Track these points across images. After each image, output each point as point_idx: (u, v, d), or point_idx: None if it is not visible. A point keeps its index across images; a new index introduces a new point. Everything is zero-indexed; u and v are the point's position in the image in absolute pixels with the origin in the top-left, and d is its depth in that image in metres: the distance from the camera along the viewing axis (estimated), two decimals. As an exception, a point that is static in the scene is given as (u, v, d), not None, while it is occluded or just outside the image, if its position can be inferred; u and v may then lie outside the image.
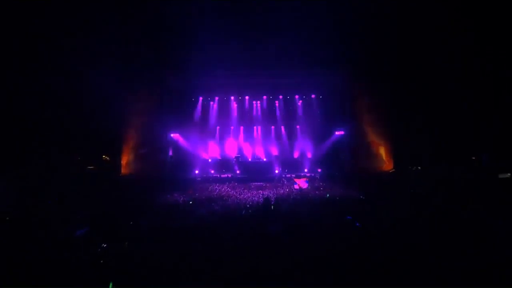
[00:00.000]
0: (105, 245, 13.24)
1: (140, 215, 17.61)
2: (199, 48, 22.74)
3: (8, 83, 21.94)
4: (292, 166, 29.22)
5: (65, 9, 21.37)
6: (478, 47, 22.22)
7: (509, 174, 21.55)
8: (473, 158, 23.70)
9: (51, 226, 15.94)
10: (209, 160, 29.69)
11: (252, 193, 22.76)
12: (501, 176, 21.61)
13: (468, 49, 22.29)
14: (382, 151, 27.29)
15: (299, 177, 26.70)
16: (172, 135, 28.84)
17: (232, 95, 30.04)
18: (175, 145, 29.11)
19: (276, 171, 28.36)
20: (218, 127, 30.42)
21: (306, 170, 28.86)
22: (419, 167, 25.03)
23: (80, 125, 23.89)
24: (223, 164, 29.58)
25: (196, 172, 28.65)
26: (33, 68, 22.25)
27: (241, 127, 30.57)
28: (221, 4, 21.63)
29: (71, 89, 23.00)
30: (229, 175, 28.29)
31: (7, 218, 16.95)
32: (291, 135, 30.61)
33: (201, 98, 29.92)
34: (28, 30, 21.52)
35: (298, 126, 30.45)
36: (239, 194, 22.58)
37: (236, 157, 29.37)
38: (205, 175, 28.49)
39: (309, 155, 29.67)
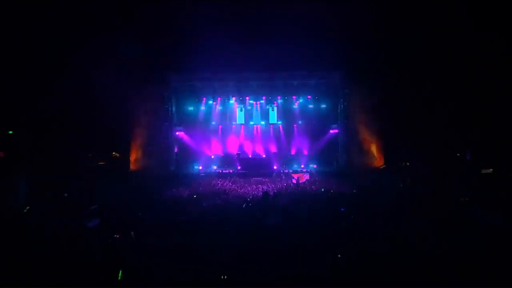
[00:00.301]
0: (116, 236, 13.48)
1: (148, 208, 17.79)
2: (204, 53, 22.81)
3: (27, 83, 22.07)
4: (289, 162, 29.30)
5: (81, 18, 21.62)
6: (464, 50, 22.32)
7: (491, 169, 21.68)
8: (458, 154, 23.75)
9: (65, 218, 16.15)
10: (212, 157, 29.79)
11: (252, 188, 22.96)
12: (483, 171, 21.75)
13: (454, 52, 22.38)
14: (374, 148, 27.32)
15: (296, 172, 26.91)
16: (177, 133, 28.93)
17: (234, 95, 30.04)
18: (180, 142, 29.21)
19: (275, 167, 28.44)
20: (220, 126, 30.47)
21: (302, 166, 28.94)
22: (408, 163, 25.07)
23: (91, 124, 23.94)
24: (225, 160, 29.68)
25: (200, 168, 28.75)
26: (51, 71, 22.36)
27: (242, 126, 30.60)
28: (224, 12, 21.73)
29: (84, 91, 23.11)
30: (231, 171, 28.41)
31: (25, 211, 17.11)
32: (288, 133, 30.62)
33: (204, 99, 29.94)
34: (45, 34, 21.60)
35: (295, 125, 30.47)
36: (240, 189, 22.80)
37: (237, 154, 29.50)
38: (208, 171, 28.61)
39: (305, 152, 29.77)
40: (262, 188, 22.41)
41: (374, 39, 23.30)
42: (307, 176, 24.90)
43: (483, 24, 21.12)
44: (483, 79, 22.26)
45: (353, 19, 22.37)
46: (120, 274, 10.34)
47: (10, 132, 22.52)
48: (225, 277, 9.91)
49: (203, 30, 21.92)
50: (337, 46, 23.56)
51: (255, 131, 30.62)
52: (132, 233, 13.75)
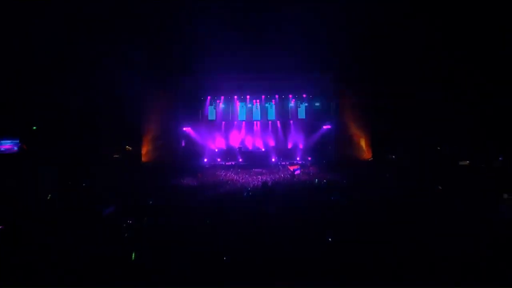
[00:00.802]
0: (129, 221, 13.60)
1: (158, 196, 17.89)
2: (208, 56, 22.82)
3: (53, 84, 22.20)
4: (286, 155, 29.34)
5: (105, 29, 21.93)
6: (444, 53, 22.41)
7: (467, 161, 21.79)
8: (438, 148, 23.82)
9: (84, 204, 16.29)
10: (216, 150, 29.81)
11: (252, 178, 23.03)
12: (461, 163, 21.86)
13: (435, 55, 22.44)
14: (363, 142, 27.46)
15: (292, 164, 26.98)
16: (184, 128, 28.96)
17: (235, 95, 30.06)
18: (187, 137, 29.23)
19: (273, 159, 28.55)
20: (223, 122, 30.48)
21: (298, 159, 28.97)
22: (394, 156, 25.16)
23: (107, 121, 24.06)
24: (228, 153, 29.69)
25: (205, 160, 28.82)
26: (75, 78, 22.58)
27: (243, 122, 30.62)
28: (227, 21, 21.78)
29: (100, 92, 23.21)
30: (233, 163, 28.46)
31: (49, 197, 17.23)
32: (285, 128, 30.63)
33: (209, 97, 29.97)
34: (74, 44, 22.00)
35: (291, 121, 30.48)
36: (241, 179, 22.84)
37: (239, 147, 29.58)
38: (212, 163, 28.70)
39: (301, 145, 29.79)
40: (262, 179, 22.47)
41: (363, 44, 23.42)
42: (298, 171, 24.94)
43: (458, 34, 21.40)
44: (459, 81, 22.37)
45: (344, 28, 22.50)
46: (133, 255, 10.50)
47: (34, 128, 22.68)
48: (226, 258, 10.02)
49: (209, 38, 22.09)
50: (329, 51, 23.63)
51: (255, 127, 30.63)
52: (145, 218, 13.92)
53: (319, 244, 10.80)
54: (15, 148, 22.04)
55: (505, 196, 14.64)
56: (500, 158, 20.79)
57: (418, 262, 9.44)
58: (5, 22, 20.47)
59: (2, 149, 21.90)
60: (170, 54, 24.33)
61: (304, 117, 30.29)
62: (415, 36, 22.43)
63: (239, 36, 22.67)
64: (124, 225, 13.51)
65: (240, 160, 28.82)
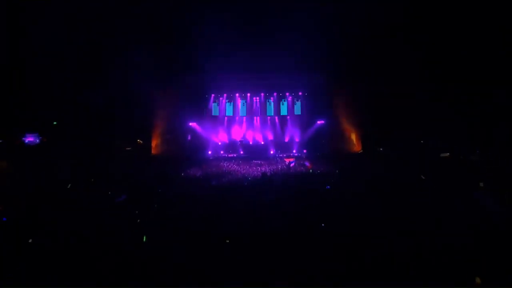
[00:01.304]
0: (140, 208, 13.72)
1: (166, 185, 18.02)
2: (212, 57, 22.89)
3: (73, 83, 22.36)
4: (283, 148, 29.39)
5: (119, 33, 22.13)
6: (427, 53, 22.46)
7: (448, 153, 21.85)
8: (421, 141, 23.87)
9: (99, 193, 16.42)
10: (219, 143, 29.83)
11: (252, 169, 23.15)
12: (442, 155, 21.93)
13: (418, 56, 22.45)
14: (353, 136, 27.53)
15: (288, 157, 27.07)
16: (190, 123, 28.97)
17: (237, 93, 30.06)
18: (193, 131, 29.25)
19: (271, 152, 28.64)
20: (226, 117, 30.47)
21: (294, 151, 29.03)
22: (381, 149, 25.23)
23: (120, 117, 24.17)
24: (230, 146, 29.72)
25: (209, 152, 28.90)
26: (92, 78, 22.84)
27: (244, 117, 30.61)
28: (229, 24, 21.79)
29: (115, 91, 23.35)
30: (235, 155, 28.62)
31: (69, 186, 17.37)
32: (282, 123, 30.61)
33: (213, 95, 29.96)
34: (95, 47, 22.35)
35: (288, 117, 30.43)
36: (243, 170, 22.95)
37: (240, 141, 29.63)
38: (216, 155, 28.78)
39: (297, 139, 29.79)
40: (261, 170, 22.57)
41: (354, 49, 23.54)
42: (292, 163, 24.98)
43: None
44: (442, 80, 22.39)
45: (337, 34, 22.61)
46: (144, 238, 10.62)
47: (54, 123, 22.83)
48: (228, 241, 10.12)
49: (213, 41, 22.17)
50: (323, 54, 23.67)
51: (255, 122, 30.63)
52: (155, 205, 14.06)
53: (314, 228, 10.96)
54: (37, 141, 22.52)
55: (481, 184, 14.81)
56: (477, 151, 20.86)
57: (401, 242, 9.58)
58: (27, 23, 20.55)
59: (26, 141, 22.58)
60: (177, 56, 24.40)
61: (300, 113, 30.26)
62: (401, 40, 22.44)
63: (240, 39, 22.83)
64: (136, 211, 13.68)
65: (241, 152, 28.90)
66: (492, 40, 20.56)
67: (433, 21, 21.67)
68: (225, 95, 30.03)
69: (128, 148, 26.12)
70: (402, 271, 8.05)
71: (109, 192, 16.35)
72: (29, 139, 22.54)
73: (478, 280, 7.80)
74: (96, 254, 9.47)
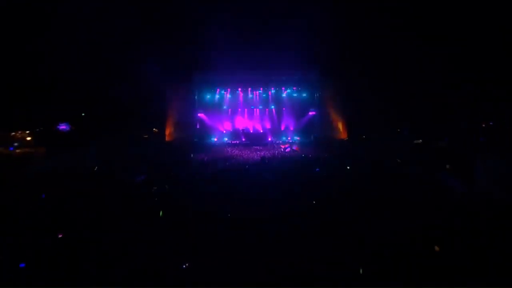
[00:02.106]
0: (156, 187, 14.04)
1: (178, 168, 18.25)
2: (218, 54, 23.02)
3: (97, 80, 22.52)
4: (279, 135, 29.54)
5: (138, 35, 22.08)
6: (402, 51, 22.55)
7: (420, 140, 22.08)
8: (398, 130, 24.04)
9: (122, 174, 16.70)
10: (224, 131, 29.86)
11: (253, 154, 23.28)
12: (415, 142, 22.17)
13: (393, 53, 22.57)
14: (340, 125, 27.53)
15: (284, 143, 27.28)
16: (199, 114, 29.07)
17: (239, 87, 29.89)
18: (201, 121, 29.29)
19: (269, 139, 28.84)
20: (229, 109, 30.39)
21: (289, 138, 29.15)
22: (364, 136, 25.42)
23: (138, 108, 24.35)
24: (233, 134, 29.75)
25: (215, 139, 29.10)
26: (115, 74, 23.02)
27: (246, 109, 30.56)
28: (233, 26, 21.89)
29: (133, 85, 23.53)
30: (237, 142, 28.78)
31: (95, 169, 17.66)
32: (279, 114, 30.49)
33: (218, 89, 29.87)
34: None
35: (284, 108, 30.26)
36: (244, 154, 23.13)
37: (242, 129, 29.67)
38: (221, 142, 28.97)
39: (291, 128, 29.77)
40: (260, 154, 22.75)
41: (340, 46, 23.53)
42: (288, 149, 25.14)
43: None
44: (418, 74, 22.49)
45: (324, 37, 22.69)
46: (161, 213, 10.97)
47: (83, 114, 23.05)
48: (230, 214, 10.43)
49: (218, 42, 22.21)
50: (315, 54, 23.78)
51: (255, 113, 30.62)
52: (166, 186, 14.32)
53: (305, 203, 11.32)
54: (68, 128, 22.82)
55: (448, 166, 15.13)
56: (445, 139, 21.09)
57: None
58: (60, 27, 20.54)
59: (60, 128, 22.85)
60: (188, 56, 24.44)
61: (294, 105, 30.26)
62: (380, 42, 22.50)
63: (242, 42, 22.87)
64: (152, 190, 14.01)
65: (243, 139, 29.00)
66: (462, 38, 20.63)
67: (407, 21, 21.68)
68: (229, 89, 29.91)
69: (146, 136, 26.31)
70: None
71: (130, 173, 16.58)
72: (62, 127, 22.86)
73: (437, 248, 8.01)
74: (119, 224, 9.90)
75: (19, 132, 21.33)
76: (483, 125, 22.00)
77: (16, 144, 20.63)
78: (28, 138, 21.29)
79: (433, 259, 7.53)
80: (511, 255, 7.57)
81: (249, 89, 30.12)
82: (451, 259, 7.48)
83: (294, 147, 24.96)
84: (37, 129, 21.83)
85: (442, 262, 7.38)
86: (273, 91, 30.16)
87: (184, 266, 7.44)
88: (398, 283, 6.68)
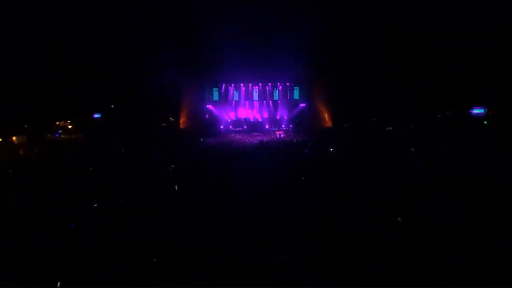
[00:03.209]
0: (173, 166, 14.40)
1: (190, 150, 18.63)
2: (223, 57, 23.28)
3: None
4: (275, 123, 29.76)
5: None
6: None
7: (391, 127, 22.39)
8: (374, 119, 24.34)
9: (144, 155, 17.12)
10: (229, 120, 30.18)
11: (253, 138, 23.53)
12: (387, 128, 22.50)
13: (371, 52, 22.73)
14: (326, 115, 27.89)
15: (278, 130, 27.56)
16: (208, 106, 29.40)
17: (242, 83, 30.05)
18: (210, 111, 29.59)
19: (266, 127, 29.10)
20: (234, 101, 30.58)
21: (283, 126, 29.43)
22: (346, 125, 25.72)
23: (157, 101, 24.63)
24: (237, 122, 30.08)
25: (222, 127, 29.36)
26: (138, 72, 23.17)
27: (247, 101, 30.75)
28: (236, 33, 21.92)
29: (153, 82, 23.76)
30: (240, 129, 29.00)
31: (123, 150, 18.08)
32: (275, 105, 30.73)
33: (224, 85, 30.03)
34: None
35: (279, 101, 30.50)
36: (246, 139, 23.39)
37: (244, 118, 30.04)
38: (226, 129, 29.19)
39: (285, 117, 30.04)
40: (259, 139, 23.08)
41: (326, 53, 23.78)
42: (282, 135, 25.42)
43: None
44: (392, 68, 22.66)
45: (313, 41, 22.71)
46: (176, 187, 11.36)
47: (112, 106, 23.37)
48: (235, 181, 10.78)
49: (224, 45, 22.57)
50: (305, 55, 23.82)
51: (254, 105, 30.76)
52: (183, 165, 14.64)
53: (295, 178, 11.70)
54: (100, 117, 23.18)
55: (412, 149, 15.49)
56: (410, 126, 21.42)
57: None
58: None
59: (95, 116, 23.13)
60: (199, 57, 24.61)
61: (287, 98, 30.44)
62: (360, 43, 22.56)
63: (244, 45, 22.95)
64: (169, 168, 14.38)
65: (245, 127, 29.26)
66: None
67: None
68: (233, 85, 30.08)
69: (163, 124, 26.62)
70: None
71: (153, 154, 16.98)
72: (96, 116, 23.21)
73: (399, 219, 8.08)
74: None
75: (62, 122, 21.68)
76: (439, 115, 22.37)
77: (60, 131, 21.07)
78: (70, 126, 21.67)
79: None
80: (455, 217, 7.88)
81: (250, 85, 30.29)
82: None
83: (282, 134, 25.21)
84: (76, 118, 22.17)
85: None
86: (270, 86, 30.34)
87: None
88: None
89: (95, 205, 8.96)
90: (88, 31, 20.20)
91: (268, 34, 23.42)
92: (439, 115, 22.17)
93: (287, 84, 29.96)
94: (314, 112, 28.35)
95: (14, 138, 19.08)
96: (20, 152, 17.42)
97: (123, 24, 20.10)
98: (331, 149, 17.07)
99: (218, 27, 21.73)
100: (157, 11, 21.11)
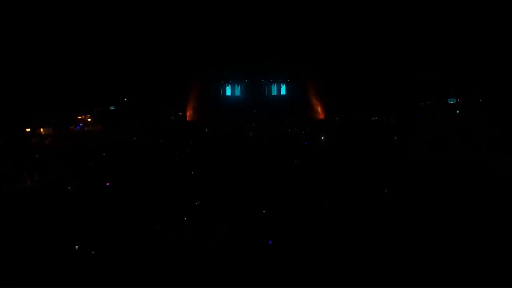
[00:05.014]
0: (187, 150, 14.86)
1: (195, 138, 19.13)
2: (229, 63, 24.79)
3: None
4: (272, 116, 29.48)
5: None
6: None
7: (377, 117, 22.68)
8: (361, 111, 24.65)
9: (155, 144, 17.62)
10: (230, 112, 29.81)
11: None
12: (372, 118, 22.82)
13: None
14: (319, 108, 28.01)
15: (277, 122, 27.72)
16: (211, 99, 29.46)
17: (242, 80, 30.20)
18: (213, 104, 29.74)
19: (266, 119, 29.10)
20: (235, 96, 30.52)
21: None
22: (337, 118, 26.09)
23: (167, 97, 25.19)
24: (237, 115, 29.81)
25: (223, 118, 29.20)
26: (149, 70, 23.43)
27: (247, 97, 30.70)
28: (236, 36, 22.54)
29: (163, 79, 24.22)
30: (240, 120, 28.90)
31: (134, 139, 18.52)
32: (273, 100, 30.65)
33: (225, 82, 30.20)
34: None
35: (276, 96, 30.51)
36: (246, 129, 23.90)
37: (244, 111, 29.93)
38: (227, 120, 28.77)
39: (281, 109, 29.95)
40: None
41: (319, 53, 24.10)
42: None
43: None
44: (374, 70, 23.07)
45: (304, 44, 23.37)
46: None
47: (125, 99, 23.78)
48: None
49: (226, 47, 23.36)
50: (300, 55, 24.26)
51: (254, 99, 30.78)
52: (187, 150, 15.18)
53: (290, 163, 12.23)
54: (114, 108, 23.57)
55: (395, 138, 15.89)
56: (394, 116, 21.73)
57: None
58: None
59: (110, 108, 23.46)
60: (204, 57, 24.90)
61: (284, 93, 30.66)
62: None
63: (244, 46, 23.52)
64: (176, 153, 14.92)
65: (244, 119, 29.05)
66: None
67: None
68: (234, 82, 30.34)
69: (172, 117, 27.09)
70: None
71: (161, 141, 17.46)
72: (111, 108, 23.65)
73: (386, 190, 8.40)
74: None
75: (83, 116, 22.17)
76: (421, 104, 22.76)
77: (81, 124, 21.58)
78: (89, 120, 22.12)
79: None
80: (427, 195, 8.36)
81: (249, 81, 30.41)
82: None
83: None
84: (95, 110, 22.60)
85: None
86: (268, 82, 30.48)
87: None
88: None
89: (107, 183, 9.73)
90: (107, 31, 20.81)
91: (266, 37, 24.01)
92: (421, 103, 22.59)
93: (285, 80, 30.11)
94: (309, 105, 28.46)
95: (41, 129, 19.76)
96: (46, 142, 18.17)
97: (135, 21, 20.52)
98: (322, 137, 17.56)
99: (219, 33, 22.41)
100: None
